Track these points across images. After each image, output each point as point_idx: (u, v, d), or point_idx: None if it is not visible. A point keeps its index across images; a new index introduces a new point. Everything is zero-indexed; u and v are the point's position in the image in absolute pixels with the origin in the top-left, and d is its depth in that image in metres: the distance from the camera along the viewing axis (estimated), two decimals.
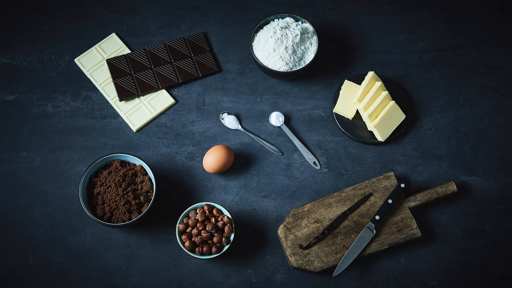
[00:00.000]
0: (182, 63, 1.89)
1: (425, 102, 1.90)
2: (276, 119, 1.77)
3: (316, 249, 1.64)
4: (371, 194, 1.69)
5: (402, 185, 1.67)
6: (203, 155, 1.80)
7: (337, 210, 1.69)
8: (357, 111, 1.82)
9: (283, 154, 1.81)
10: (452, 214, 1.80)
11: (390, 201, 1.66)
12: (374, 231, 1.64)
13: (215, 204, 1.66)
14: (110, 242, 1.78)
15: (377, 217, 1.65)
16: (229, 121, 1.77)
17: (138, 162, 1.70)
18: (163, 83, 1.86)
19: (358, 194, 1.70)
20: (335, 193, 1.68)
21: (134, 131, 1.85)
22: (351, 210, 1.68)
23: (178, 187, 1.80)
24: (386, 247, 1.64)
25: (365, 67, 1.92)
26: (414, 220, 1.66)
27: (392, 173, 1.71)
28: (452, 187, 1.70)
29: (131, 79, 1.87)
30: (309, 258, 1.64)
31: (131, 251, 1.75)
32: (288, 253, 1.64)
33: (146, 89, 1.86)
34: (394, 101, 1.78)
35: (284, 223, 1.67)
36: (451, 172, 1.82)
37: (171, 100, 1.84)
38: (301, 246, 1.64)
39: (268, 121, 1.89)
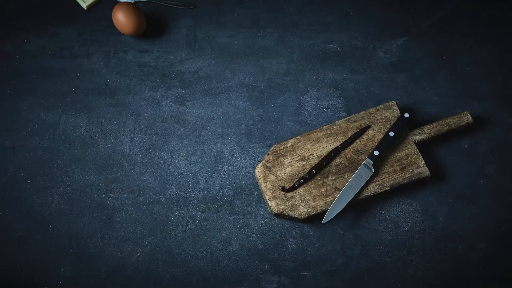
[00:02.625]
0: None
1: (462, 33, 1.66)
2: None
3: (302, 191, 1.44)
4: (369, 126, 1.49)
5: (406, 115, 1.46)
6: (195, 98, 1.60)
7: (327, 146, 1.49)
8: None
9: (195, 7, 1.59)
10: (499, 163, 1.55)
11: (391, 133, 1.46)
12: (373, 169, 1.44)
13: None
14: (83, 204, 1.54)
15: (376, 153, 1.45)
16: None
17: None
18: None
19: (353, 127, 1.50)
20: (325, 126, 1.49)
21: (85, 8, 1.65)
22: (345, 145, 1.48)
23: (163, 139, 1.58)
24: (388, 188, 1.45)
25: None
26: (420, 157, 1.47)
27: (394, 102, 1.50)
28: (467, 117, 1.50)
29: None
30: (293, 203, 1.44)
31: (108, 214, 1.52)
32: (267, 197, 1.44)
33: None
34: None
35: (263, 161, 1.46)
36: (496, 114, 1.58)
37: None
38: (283, 189, 1.43)
39: (273, 58, 1.61)
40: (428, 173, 1.47)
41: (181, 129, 1.58)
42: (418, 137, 1.51)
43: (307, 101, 1.61)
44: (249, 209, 1.54)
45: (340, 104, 1.61)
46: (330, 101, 1.61)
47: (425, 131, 1.52)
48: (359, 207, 1.50)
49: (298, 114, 1.60)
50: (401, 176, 1.47)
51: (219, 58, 1.64)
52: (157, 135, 1.58)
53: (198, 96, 1.60)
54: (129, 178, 1.55)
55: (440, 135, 1.52)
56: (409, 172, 1.47)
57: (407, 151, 1.49)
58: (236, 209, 1.53)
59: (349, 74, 1.63)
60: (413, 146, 1.50)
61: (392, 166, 1.47)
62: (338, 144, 1.50)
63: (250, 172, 1.57)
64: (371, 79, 1.63)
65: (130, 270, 1.46)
